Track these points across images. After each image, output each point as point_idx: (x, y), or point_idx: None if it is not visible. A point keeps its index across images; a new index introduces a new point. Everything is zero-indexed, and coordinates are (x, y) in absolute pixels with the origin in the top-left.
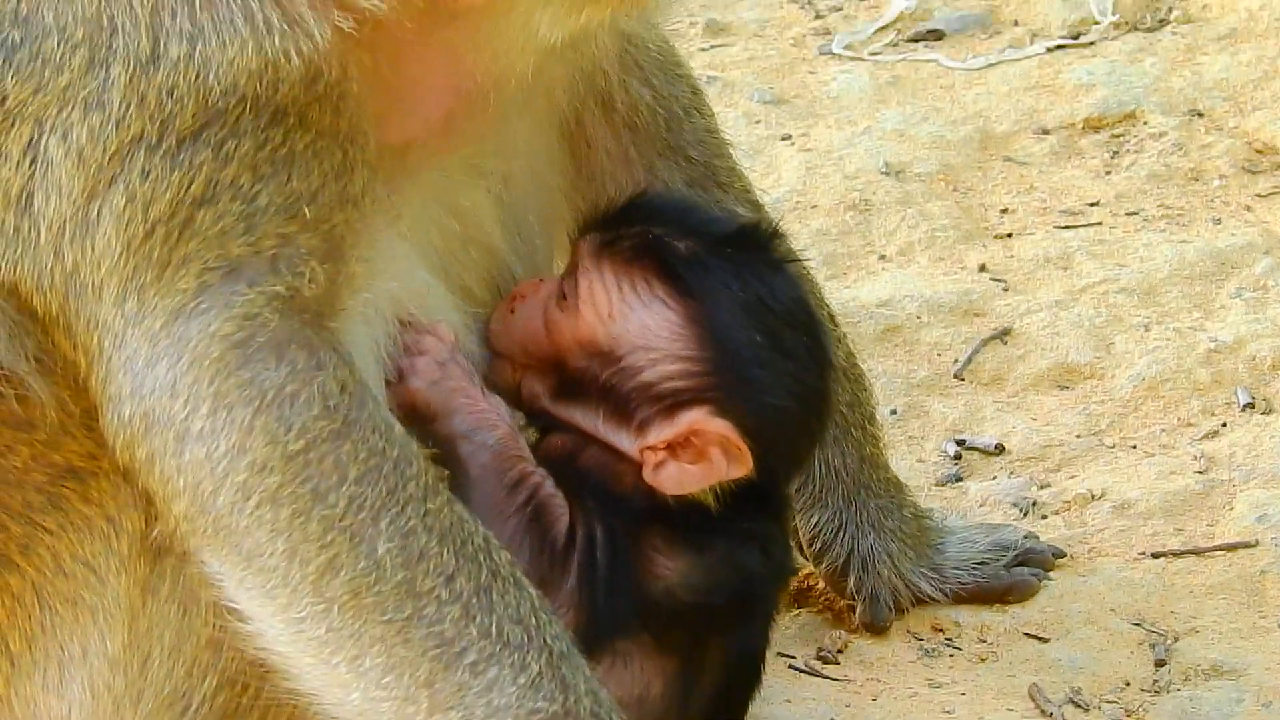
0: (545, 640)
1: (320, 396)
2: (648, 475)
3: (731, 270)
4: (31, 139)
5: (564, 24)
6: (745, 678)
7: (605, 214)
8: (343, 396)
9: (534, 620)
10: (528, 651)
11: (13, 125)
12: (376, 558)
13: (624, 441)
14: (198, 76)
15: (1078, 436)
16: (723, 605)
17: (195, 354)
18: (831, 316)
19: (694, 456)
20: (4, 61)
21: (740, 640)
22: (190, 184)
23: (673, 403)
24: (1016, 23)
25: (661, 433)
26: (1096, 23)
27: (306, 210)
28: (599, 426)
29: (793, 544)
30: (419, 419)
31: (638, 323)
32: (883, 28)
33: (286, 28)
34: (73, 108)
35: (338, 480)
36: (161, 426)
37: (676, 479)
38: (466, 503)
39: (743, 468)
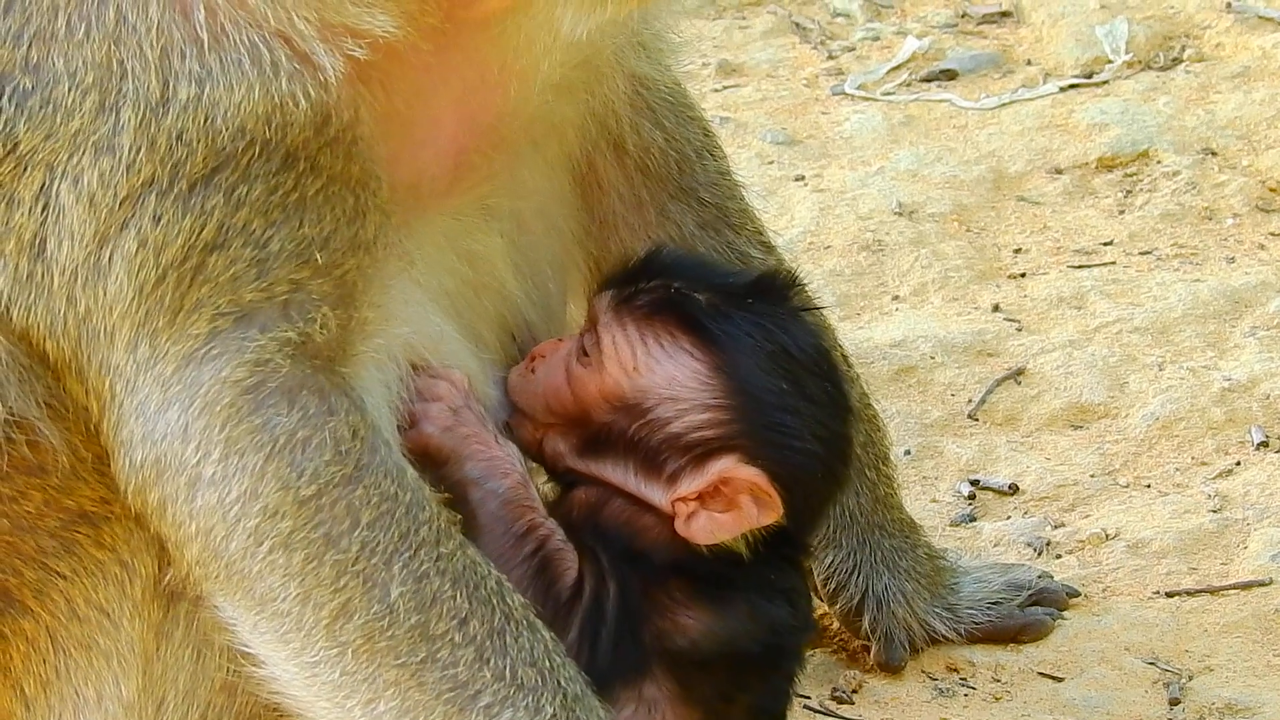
0: (559, 683)
1: (332, 442)
2: (680, 527)
3: (753, 320)
4: (43, 185)
5: (587, 19)
6: None
7: (620, 271)
8: (355, 441)
9: (548, 663)
10: (542, 694)
11: (25, 171)
12: (390, 602)
13: (655, 494)
14: (206, 120)
15: (1092, 476)
16: (750, 656)
17: (207, 399)
18: (846, 357)
19: (725, 505)
20: (16, 108)
21: (765, 696)
22: (202, 229)
23: (702, 452)
24: (1029, 62)
25: (692, 483)
26: (1110, 62)
27: (318, 256)
28: (629, 479)
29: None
30: (431, 464)
31: (664, 374)
32: (895, 68)
33: (295, 68)
34: (84, 153)
35: (350, 525)
36: (173, 472)
37: (708, 529)
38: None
39: (773, 514)
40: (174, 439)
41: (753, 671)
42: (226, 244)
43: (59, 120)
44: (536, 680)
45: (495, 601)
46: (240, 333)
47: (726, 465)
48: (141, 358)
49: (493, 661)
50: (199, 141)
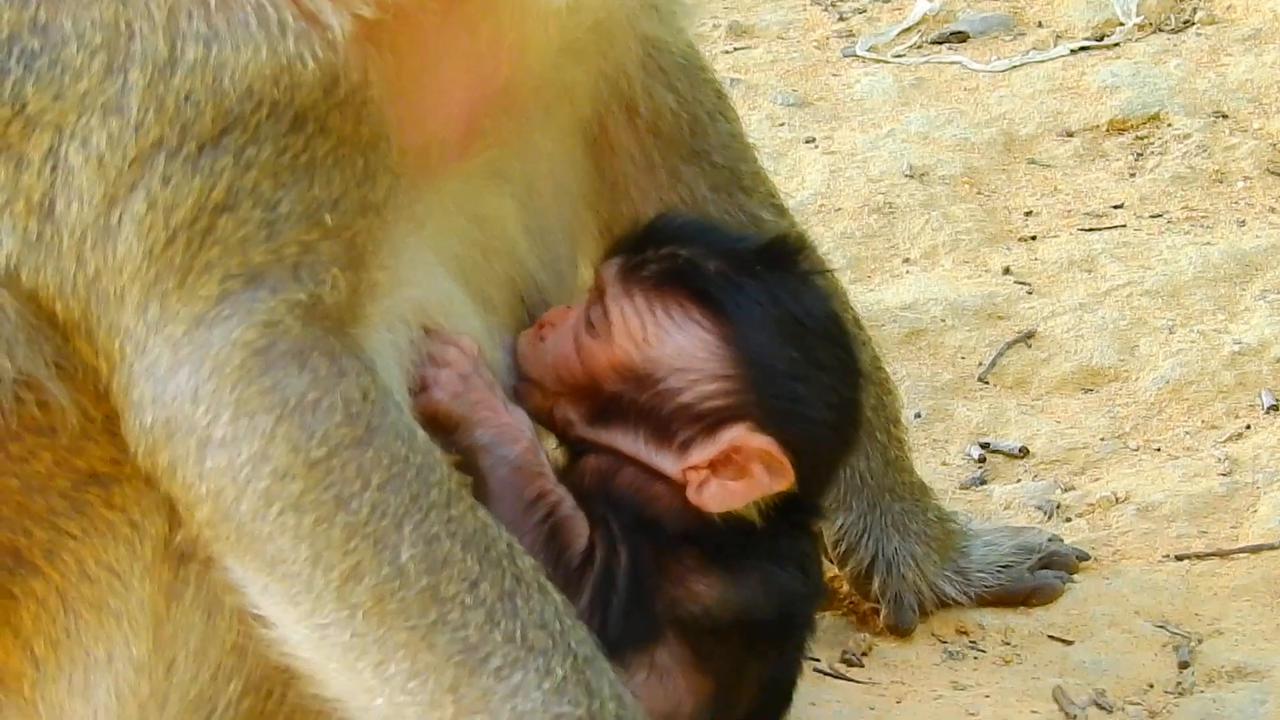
0: (570, 645)
1: (343, 404)
2: (692, 495)
3: (762, 288)
4: (52, 146)
5: None
6: (774, 703)
7: (627, 238)
8: (365, 403)
9: (558, 625)
10: (552, 656)
11: (34, 132)
12: (400, 564)
13: (666, 463)
14: (214, 81)
15: (1102, 439)
16: (763, 624)
17: (217, 361)
18: (857, 320)
19: (736, 473)
20: (24, 69)
21: (776, 665)
22: (211, 190)
23: (713, 421)
24: (1040, 24)
25: (704, 452)
26: (1121, 24)
27: (328, 217)
28: (640, 448)
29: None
30: (441, 430)
31: (674, 346)
32: (906, 30)
33: (302, 27)
34: (92, 114)
35: (360, 487)
36: (183, 434)
37: (720, 497)
38: None
39: (785, 481)
40: (184, 401)
41: (765, 640)
42: (236, 205)
43: (67, 81)
44: (547, 643)
45: (506, 564)
46: (250, 294)
47: (738, 434)
48: (151, 319)
49: (503, 624)
50: (207, 103)
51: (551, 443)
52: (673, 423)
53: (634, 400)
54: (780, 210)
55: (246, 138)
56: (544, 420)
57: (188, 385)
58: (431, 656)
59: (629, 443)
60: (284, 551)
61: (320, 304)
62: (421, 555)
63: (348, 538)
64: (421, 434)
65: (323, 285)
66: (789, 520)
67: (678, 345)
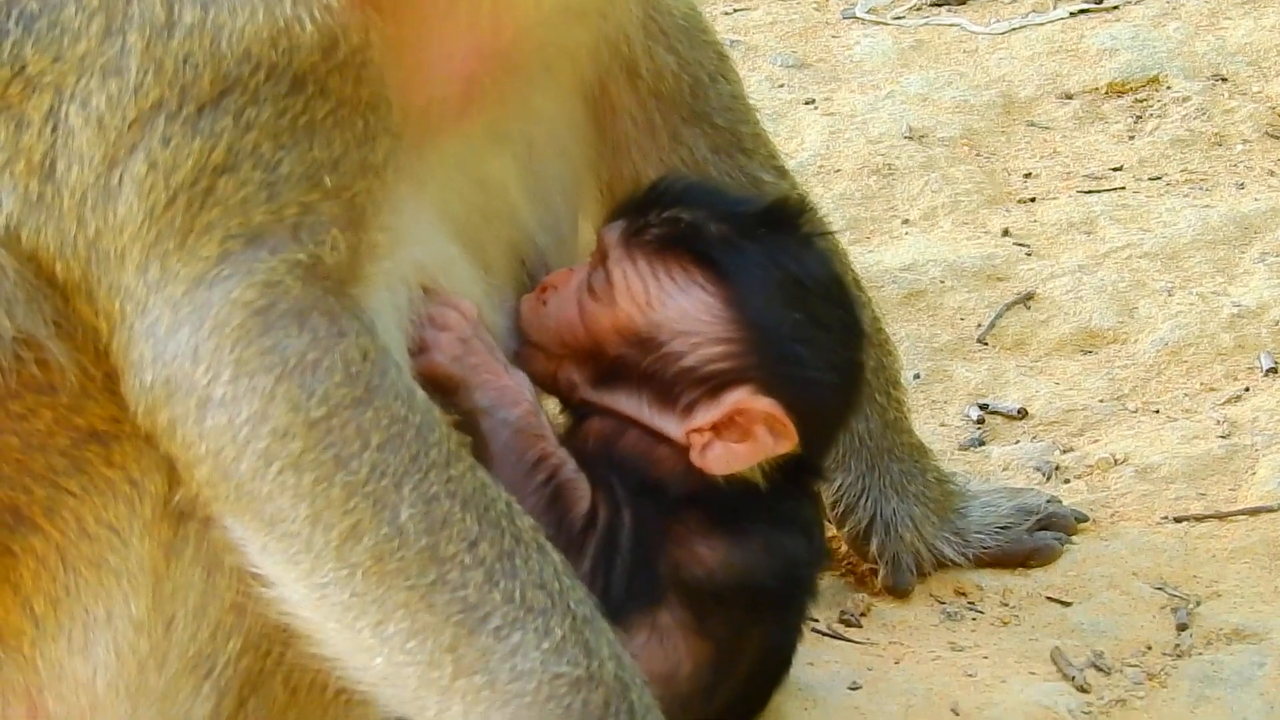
0: (569, 605)
1: (342, 364)
2: (695, 458)
3: (765, 250)
4: (52, 107)
5: None
6: (773, 669)
7: (629, 201)
8: (365, 364)
9: (557, 585)
10: (551, 616)
11: (33, 93)
12: (399, 524)
13: (669, 425)
14: (212, 43)
15: (1100, 401)
16: (766, 589)
17: (217, 321)
18: (857, 281)
19: (740, 435)
20: (23, 31)
21: (777, 631)
22: (212, 151)
23: (716, 384)
24: None
25: (707, 414)
26: None
27: (328, 179)
28: (643, 411)
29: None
30: (441, 392)
31: (676, 309)
32: None
33: None
34: (91, 75)
35: (360, 447)
36: (183, 393)
37: (724, 459)
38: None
39: (788, 443)
40: (184, 360)
41: (767, 604)
42: (236, 166)
43: (66, 43)
44: (546, 603)
45: (505, 524)
46: (250, 254)
47: (741, 396)
48: (152, 279)
49: (502, 584)
50: (205, 65)
51: (553, 407)
52: (676, 386)
53: (637, 363)
54: (781, 172)
55: (246, 99)
56: (547, 384)
57: (188, 345)
58: (430, 616)
59: (632, 406)
60: (283, 511)
61: (320, 264)
62: (421, 515)
63: (347, 497)
64: (421, 394)
65: (323, 246)
66: (792, 483)
67: (680, 308)
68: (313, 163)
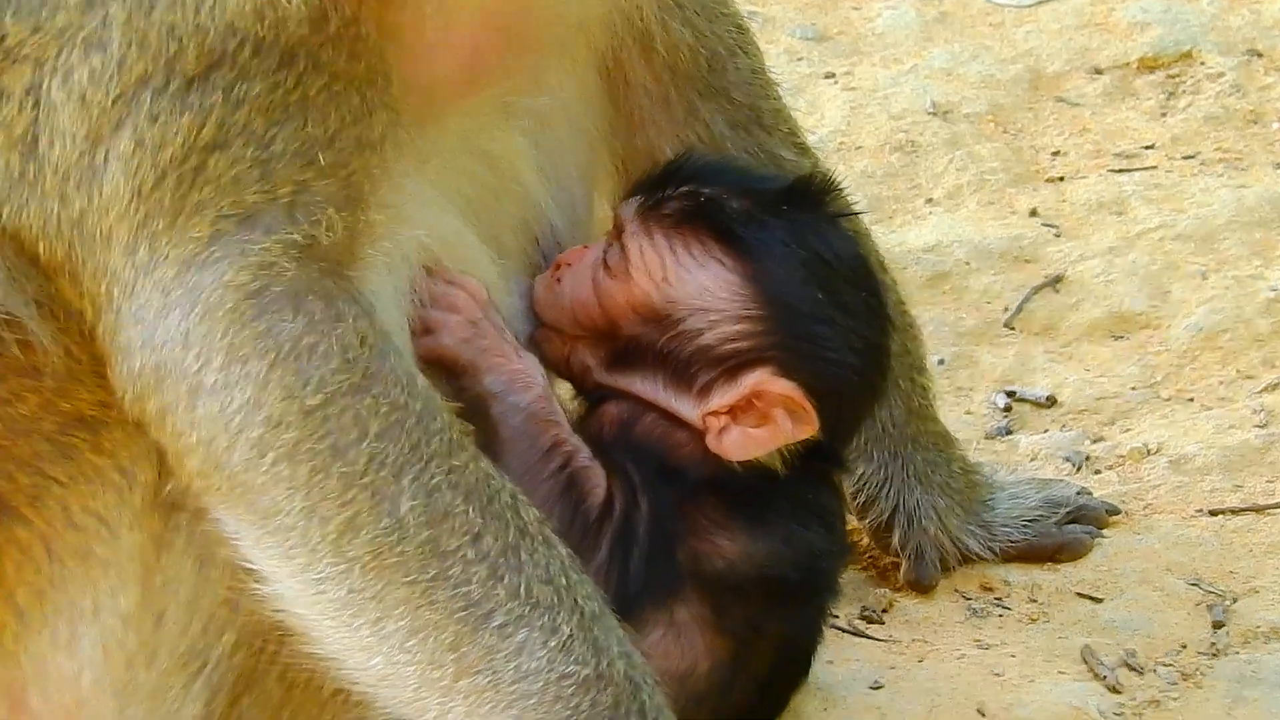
0: (576, 601)
1: (339, 349)
2: (711, 442)
3: (788, 227)
4: (32, 81)
5: None
6: (791, 670)
7: (646, 177)
8: (363, 349)
9: (564, 580)
10: (558, 613)
11: (13, 64)
12: (399, 516)
13: (685, 408)
14: (195, 15)
15: (1133, 388)
16: (786, 582)
17: (209, 304)
18: (881, 263)
19: (758, 419)
20: (3, 1)
21: (796, 627)
22: (201, 128)
23: (734, 364)
24: None
25: (724, 396)
26: None
27: (323, 156)
28: (659, 393)
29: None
30: (449, 376)
31: (695, 285)
32: None
33: None
34: (73, 49)
35: (358, 436)
36: (174, 380)
37: (741, 444)
38: (498, 468)
39: (808, 428)
40: (174, 345)
41: (787, 599)
42: (227, 143)
43: (45, 15)
44: (553, 598)
45: (509, 516)
46: (244, 235)
47: (760, 378)
48: (140, 261)
49: (506, 579)
50: (189, 38)
51: (565, 391)
52: (693, 366)
53: (653, 343)
54: (803, 149)
55: (235, 74)
56: (560, 368)
57: (178, 329)
58: (432, 613)
59: (648, 388)
60: (278, 503)
61: (316, 245)
62: (421, 507)
63: (345, 488)
64: (422, 380)
65: (318, 225)
66: (813, 471)
67: (699, 284)
68: (307, 140)
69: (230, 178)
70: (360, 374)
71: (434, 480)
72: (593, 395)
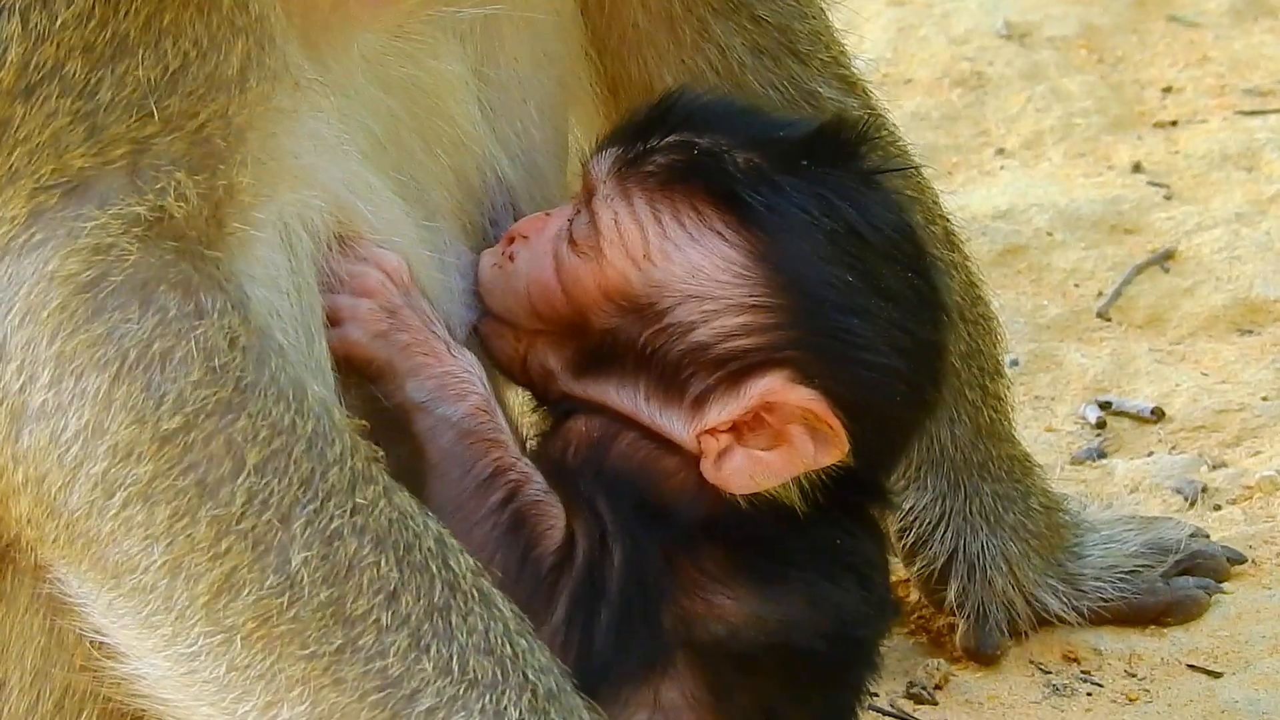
0: (526, 676)
1: (201, 354)
2: (708, 470)
3: (809, 189)
4: None
5: None
6: None
7: (627, 123)
8: (233, 353)
9: (509, 649)
10: (502, 692)
11: None
12: (290, 571)
13: (675, 425)
14: None
15: (1264, 399)
16: (808, 653)
17: (30, 302)
18: (950, 235)
19: (769, 440)
20: None
21: (823, 711)
22: None
23: (738, 368)
24: None
25: (725, 410)
26: None
27: (162, 104)
28: (640, 406)
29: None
30: (366, 380)
31: (685, 264)
32: None
33: None
34: None
35: (232, 468)
36: None
37: (746, 473)
38: (425, 499)
39: (835, 451)
40: None
41: (810, 675)
42: (35, 91)
43: None
44: (494, 673)
45: (435, 568)
46: (72, 210)
47: (771, 385)
48: None
49: (433, 649)
50: None
51: (515, 393)
52: (684, 370)
53: (633, 340)
54: (849, 84)
55: None
56: (515, 371)
57: None
58: (339, 695)
59: (627, 400)
60: (132, 556)
61: (166, 220)
62: (319, 558)
63: (217, 536)
64: (314, 391)
65: (165, 195)
66: (844, 508)
67: (691, 264)
68: (140, 84)
69: (48, 136)
70: (230, 387)
71: (333, 524)
72: (556, 407)
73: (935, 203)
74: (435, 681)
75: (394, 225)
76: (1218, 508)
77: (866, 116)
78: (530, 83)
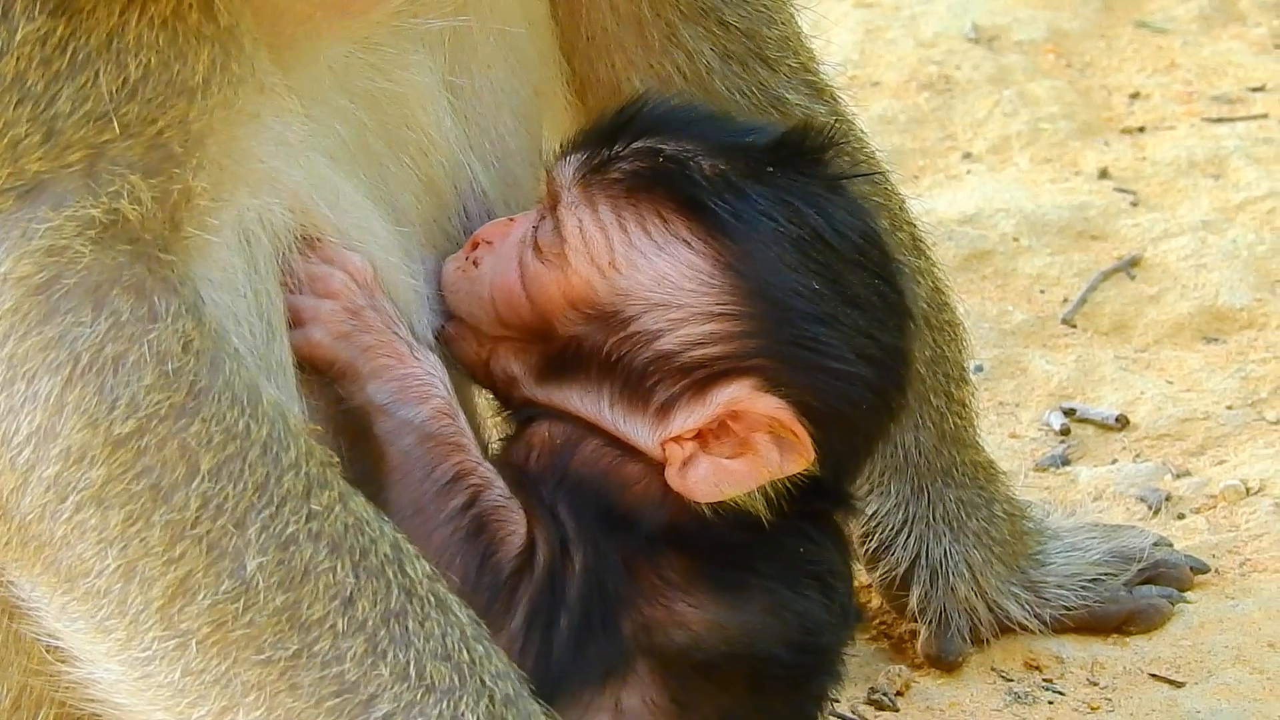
0: (483, 681)
1: (155, 358)
2: (673, 478)
3: (775, 196)
4: None
5: None
6: None
7: (592, 129)
8: (186, 357)
9: (466, 655)
10: (460, 697)
11: None
12: (245, 576)
13: (639, 433)
14: None
15: (1228, 407)
16: (771, 661)
17: None
18: (917, 241)
19: (735, 448)
20: None
21: (790, 716)
22: None
23: (704, 376)
24: None
25: (690, 418)
26: None
27: (115, 115)
28: (604, 413)
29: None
30: (327, 381)
31: (651, 272)
32: None
33: None
34: None
35: (185, 473)
36: None
37: (711, 481)
38: (385, 502)
39: (801, 459)
40: None
41: (773, 683)
42: None
43: None
44: (452, 679)
45: (391, 573)
46: (26, 213)
47: (737, 393)
48: None
49: (390, 655)
50: None
51: (480, 395)
52: (649, 378)
53: (598, 347)
54: (816, 90)
55: None
56: (479, 376)
57: None
58: (294, 701)
59: (591, 406)
60: (86, 561)
61: (121, 222)
62: (274, 564)
63: (171, 541)
64: (269, 396)
65: (119, 198)
66: (808, 516)
67: (657, 272)
68: (101, 94)
69: (4, 143)
70: (184, 391)
71: (289, 529)
72: (519, 413)
73: (901, 208)
74: (392, 687)
75: (360, 229)
76: (1181, 516)
77: (833, 122)
78: (504, 90)
